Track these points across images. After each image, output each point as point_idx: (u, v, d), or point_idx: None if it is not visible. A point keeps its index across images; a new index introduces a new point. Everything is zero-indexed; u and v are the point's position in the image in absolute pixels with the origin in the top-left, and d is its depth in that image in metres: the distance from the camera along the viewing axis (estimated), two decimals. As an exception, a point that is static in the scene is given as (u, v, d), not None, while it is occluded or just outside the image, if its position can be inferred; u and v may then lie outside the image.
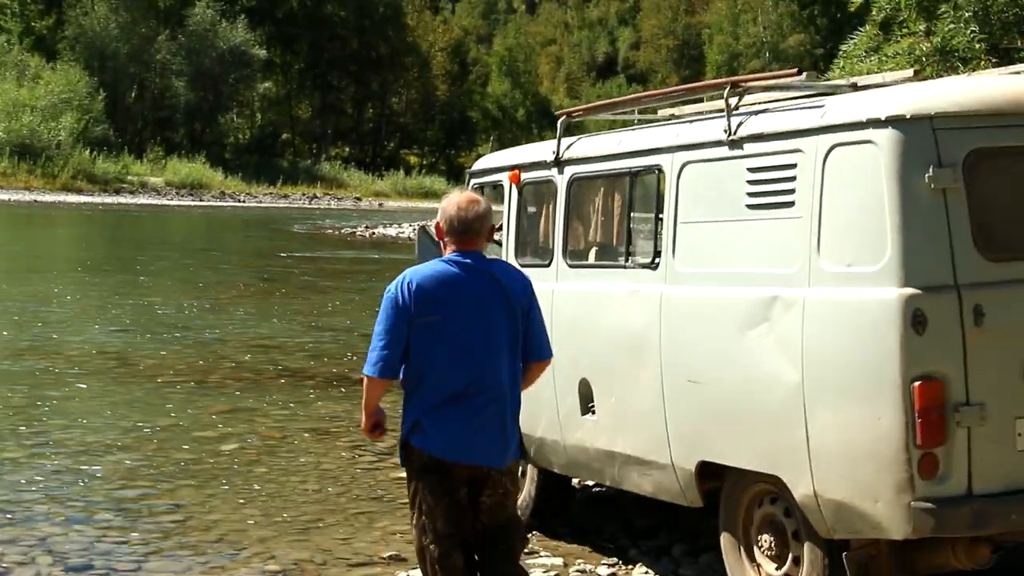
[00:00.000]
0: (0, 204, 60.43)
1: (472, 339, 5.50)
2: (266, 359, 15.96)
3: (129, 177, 77.95)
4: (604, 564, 7.73)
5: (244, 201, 77.45)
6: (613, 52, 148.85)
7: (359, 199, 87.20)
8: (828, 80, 19.08)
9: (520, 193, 8.33)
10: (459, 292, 5.52)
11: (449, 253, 5.58)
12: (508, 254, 8.32)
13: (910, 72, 7.21)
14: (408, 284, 5.48)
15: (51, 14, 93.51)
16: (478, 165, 9.17)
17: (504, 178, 8.47)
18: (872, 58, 17.24)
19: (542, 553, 8.00)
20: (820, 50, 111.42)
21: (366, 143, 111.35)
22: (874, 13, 18.18)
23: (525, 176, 8.29)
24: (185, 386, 13.81)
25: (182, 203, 71.14)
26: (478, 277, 5.56)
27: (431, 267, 5.56)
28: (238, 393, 13.47)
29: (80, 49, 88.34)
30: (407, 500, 9.12)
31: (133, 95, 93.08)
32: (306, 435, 11.49)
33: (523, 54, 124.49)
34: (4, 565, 7.51)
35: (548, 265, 7.90)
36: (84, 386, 13.58)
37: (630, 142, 7.41)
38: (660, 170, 6.97)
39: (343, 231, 49.57)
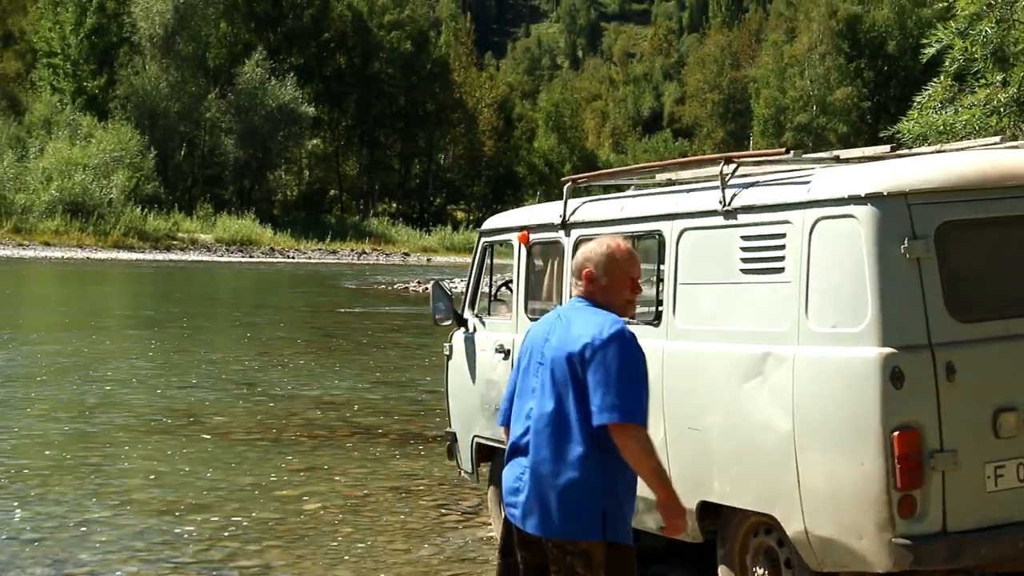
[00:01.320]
0: (54, 261, 60.84)
1: None
2: (336, 416, 15.79)
3: (180, 234, 78.50)
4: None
5: (293, 257, 77.73)
6: (658, 107, 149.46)
7: (407, 254, 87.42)
8: (899, 130, 18.82)
9: (529, 252, 9.00)
10: None
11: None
12: (519, 308, 9.01)
13: (887, 148, 7.72)
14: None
15: (103, 74, 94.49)
16: (489, 224, 9.84)
17: (514, 238, 9.14)
18: (948, 109, 17.05)
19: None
20: (867, 103, 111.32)
21: (413, 199, 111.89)
22: (947, 64, 17.98)
23: (533, 237, 8.93)
24: (259, 444, 13.66)
25: (232, 259, 71.45)
26: None
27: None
28: (313, 451, 13.29)
29: (131, 108, 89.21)
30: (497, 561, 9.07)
31: (183, 153, 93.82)
32: (388, 494, 11.28)
33: (569, 109, 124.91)
34: (101, 630, 7.34)
35: None
36: (157, 444, 13.42)
37: (632, 208, 8.04)
38: (660, 235, 7.59)
39: (395, 286, 49.54)
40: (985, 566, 6.39)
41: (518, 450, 5.15)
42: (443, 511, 10.69)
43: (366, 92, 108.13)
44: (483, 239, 9.76)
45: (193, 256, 71.17)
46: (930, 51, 18.39)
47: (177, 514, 10.33)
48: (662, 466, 5.05)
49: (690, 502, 7.08)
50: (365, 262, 77.82)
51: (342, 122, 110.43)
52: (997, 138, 8.11)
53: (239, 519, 10.22)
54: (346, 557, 9.09)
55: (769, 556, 6.89)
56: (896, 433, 5.97)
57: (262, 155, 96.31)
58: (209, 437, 13.97)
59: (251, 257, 74.02)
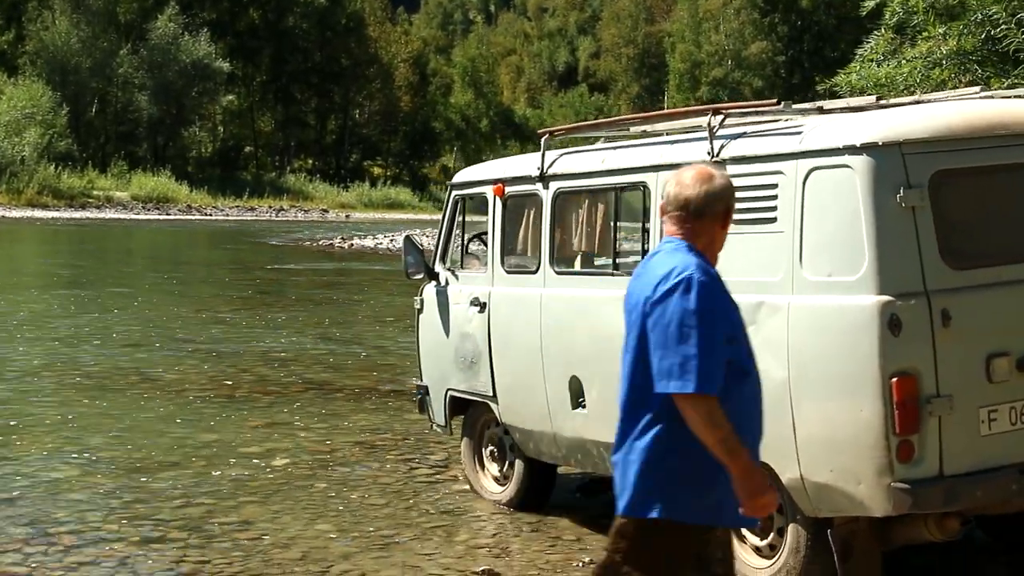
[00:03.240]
0: (-33, 220, 59.80)
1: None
2: (286, 372, 15.72)
3: (95, 192, 77.35)
4: None
5: (211, 214, 76.95)
6: (574, 61, 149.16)
7: (326, 211, 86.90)
8: (836, 83, 18.96)
9: (504, 205, 9.00)
10: None
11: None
12: (494, 261, 9.03)
13: (873, 98, 7.92)
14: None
15: (11, 29, 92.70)
16: (459, 177, 9.85)
17: (488, 191, 9.17)
18: (891, 62, 17.21)
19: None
20: (782, 57, 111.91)
21: (329, 155, 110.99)
22: (887, 18, 18.14)
23: (509, 189, 8.98)
24: (215, 401, 13.57)
25: (149, 217, 70.63)
26: None
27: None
28: (270, 408, 13.23)
29: (41, 64, 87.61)
30: (476, 515, 9.12)
31: (95, 109, 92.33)
32: (354, 449, 11.27)
33: (485, 64, 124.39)
34: (93, 588, 7.28)
35: (535, 272, 8.62)
36: (112, 403, 13.30)
37: (614, 160, 8.09)
38: (645, 187, 7.65)
39: (320, 243, 49.28)
40: (979, 509, 6.56)
41: None
42: (412, 465, 10.70)
43: (280, 47, 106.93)
44: (454, 192, 9.78)
45: (109, 214, 70.21)
46: (870, 3, 18.52)
47: (147, 472, 10.25)
48: (733, 437, 4.43)
49: None
50: (283, 219, 77.32)
51: (256, 78, 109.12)
52: (976, 88, 8.27)
53: (210, 476, 10.17)
54: (325, 513, 9.07)
55: None
56: (894, 379, 6.09)
57: (176, 111, 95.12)
58: (163, 395, 13.85)
59: (168, 215, 73.15)
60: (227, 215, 77.05)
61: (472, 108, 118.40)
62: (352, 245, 47.78)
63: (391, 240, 49.05)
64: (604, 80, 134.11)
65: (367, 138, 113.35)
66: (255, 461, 10.70)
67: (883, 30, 18.37)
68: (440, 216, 10.00)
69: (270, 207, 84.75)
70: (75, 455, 10.78)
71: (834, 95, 17.49)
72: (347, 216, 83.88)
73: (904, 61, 17.01)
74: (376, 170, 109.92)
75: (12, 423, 12.14)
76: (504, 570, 7.75)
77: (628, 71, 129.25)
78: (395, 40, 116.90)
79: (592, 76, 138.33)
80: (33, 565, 7.67)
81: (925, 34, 16.94)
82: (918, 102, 7.59)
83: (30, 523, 8.63)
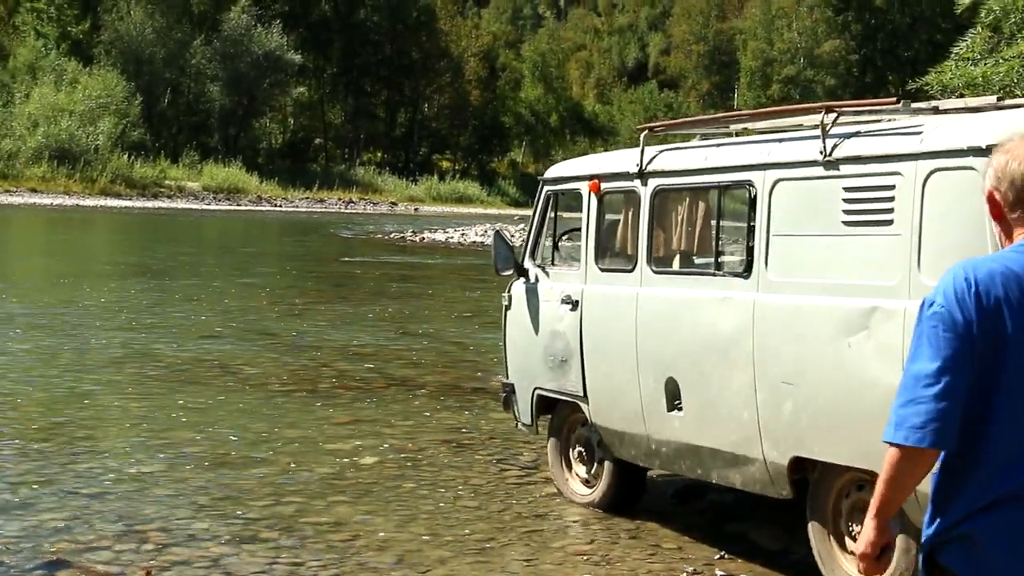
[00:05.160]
0: (43, 208, 60.34)
1: None
2: (368, 367, 15.55)
3: (167, 182, 78.03)
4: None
5: (281, 206, 77.32)
6: (643, 57, 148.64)
7: (394, 204, 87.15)
8: (927, 82, 18.58)
9: (600, 201, 8.82)
10: None
11: (1019, 239, 3.48)
12: (588, 259, 8.81)
13: (992, 98, 7.55)
14: (969, 286, 3.34)
15: (87, 19, 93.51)
16: (552, 172, 9.64)
17: (583, 187, 8.94)
18: (987, 61, 16.84)
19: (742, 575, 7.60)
20: (855, 56, 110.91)
21: (398, 148, 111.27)
22: (983, 16, 17.76)
23: (605, 186, 8.78)
24: (296, 396, 13.42)
25: (220, 207, 71.07)
26: None
27: (995, 260, 3.45)
28: (353, 404, 13.05)
29: (116, 54, 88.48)
30: (573, 519, 8.90)
31: (168, 100, 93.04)
32: (442, 448, 11.06)
33: (555, 59, 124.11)
34: (188, 589, 7.11)
35: (631, 271, 8.39)
36: (195, 396, 13.18)
37: (718, 158, 7.88)
38: (751, 185, 7.41)
39: (392, 236, 49.25)
40: None
41: None
42: (502, 466, 10.48)
43: (351, 40, 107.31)
44: (546, 187, 9.56)
45: (181, 204, 70.72)
46: (966, 1, 18.16)
47: (234, 468, 10.10)
48: (888, 500, 3.42)
49: (782, 458, 7.14)
50: (353, 211, 77.52)
51: (327, 70, 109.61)
52: (994, 97, 7.97)
53: (297, 473, 10.00)
54: (417, 514, 8.87)
55: (865, 511, 6.76)
56: None
57: (247, 103, 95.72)
58: (245, 389, 13.72)
59: (238, 206, 73.55)
60: (296, 207, 77.36)
61: (541, 103, 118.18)
62: (423, 239, 47.70)
63: (462, 234, 48.97)
64: (674, 77, 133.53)
65: (436, 132, 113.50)
66: (342, 459, 10.51)
67: (979, 28, 18.01)
68: (531, 211, 9.75)
69: (339, 199, 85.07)
70: (160, 449, 10.63)
71: (922, 95, 17.13)
72: (416, 209, 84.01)
73: (1001, 60, 16.65)
74: (445, 164, 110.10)
75: (96, 416, 12.04)
76: (605, 581, 7.51)
77: (698, 68, 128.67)
78: (465, 34, 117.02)
79: (662, 73, 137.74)
80: (125, 563, 7.50)
81: None
82: None
83: (118, 519, 8.46)
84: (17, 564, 7.39)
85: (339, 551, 7.94)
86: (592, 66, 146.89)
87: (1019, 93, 13.96)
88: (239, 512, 8.79)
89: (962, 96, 15.26)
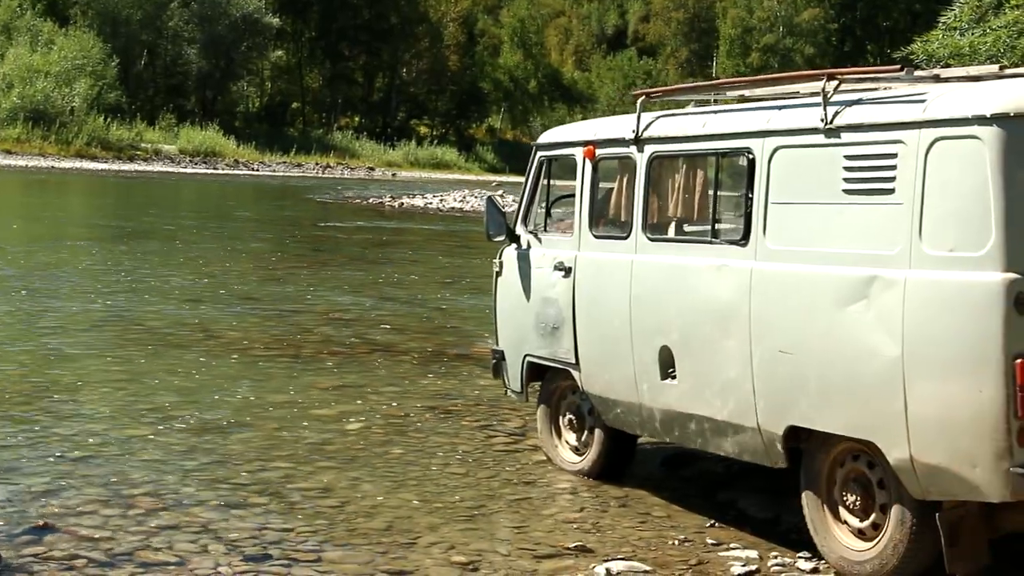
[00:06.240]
0: (18, 170, 59.93)
1: None
2: (351, 333, 15.49)
3: (143, 144, 77.56)
4: (801, 557, 7.28)
5: (258, 170, 77.00)
6: (623, 25, 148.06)
7: (372, 169, 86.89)
8: (913, 51, 18.56)
9: (595, 168, 8.74)
10: None
11: None
12: (582, 225, 8.73)
13: (995, 68, 7.48)
14: None
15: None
16: (545, 138, 9.54)
17: (577, 152, 8.87)
18: (975, 31, 16.78)
19: (732, 545, 7.56)
20: (834, 25, 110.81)
21: (376, 113, 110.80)
22: (973, -16, 17.67)
23: (600, 152, 8.70)
24: (281, 360, 13.34)
25: (197, 171, 70.72)
26: None
27: None
28: (338, 369, 13.00)
29: (92, 15, 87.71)
30: (562, 487, 8.86)
31: (144, 62, 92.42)
32: (427, 414, 11.02)
33: (534, 26, 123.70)
34: (178, 554, 7.03)
35: (626, 238, 8.32)
36: (178, 360, 13.09)
37: (716, 124, 7.79)
38: (750, 153, 7.33)
39: (370, 201, 49.05)
40: None
41: None
42: (489, 433, 10.44)
43: (330, 3, 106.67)
44: (539, 153, 9.47)
45: (158, 167, 70.35)
46: (951, -29, 18.07)
47: (220, 433, 10.02)
48: None
49: (778, 427, 7.09)
50: (330, 176, 77.26)
51: (305, 34, 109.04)
52: (996, 67, 7.92)
53: (284, 438, 9.94)
54: (406, 481, 8.82)
55: (860, 482, 6.82)
56: (1019, 360, 5.86)
57: (225, 65, 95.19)
58: (229, 353, 13.64)
59: (215, 169, 73.21)
60: (274, 171, 77.06)
61: (520, 69, 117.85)
62: (402, 204, 47.54)
63: (441, 200, 48.83)
64: (653, 44, 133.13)
65: (414, 97, 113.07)
66: (328, 425, 10.46)
67: (967, -4, 17.93)
68: (508, 177, 9.67)
69: (317, 164, 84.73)
70: (144, 413, 10.55)
71: (908, 64, 17.07)
72: (393, 175, 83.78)
73: (989, 30, 16.60)
74: (423, 129, 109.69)
75: (78, 379, 11.93)
76: (597, 547, 7.47)
77: (677, 35, 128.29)
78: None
79: (641, 40, 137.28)
80: (113, 528, 7.42)
81: (1013, 2, 16.56)
82: None
83: (105, 484, 8.37)
84: (4, 529, 7.30)
85: (328, 517, 7.89)
86: (571, 32, 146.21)
87: (1006, 63, 13.90)
88: (227, 477, 8.72)
89: (948, 66, 15.20)
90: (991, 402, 5.93)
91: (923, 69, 8.30)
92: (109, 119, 75.58)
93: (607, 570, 7.00)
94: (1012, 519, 6.33)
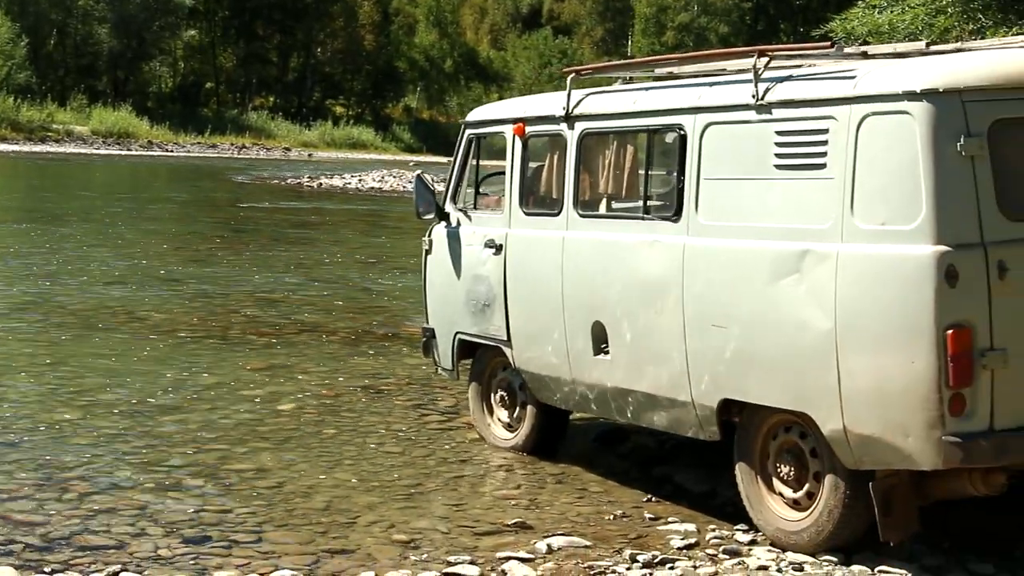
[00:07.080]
0: (-75, 152, 58.82)
1: None
2: (277, 313, 15.40)
3: (54, 126, 76.21)
4: (739, 530, 7.36)
5: (172, 151, 76.03)
6: (537, 3, 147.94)
7: (288, 149, 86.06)
8: (832, 29, 18.73)
9: (525, 145, 8.73)
10: None
11: None
12: (512, 202, 8.73)
13: (921, 44, 7.59)
14: None
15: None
16: (474, 116, 9.54)
17: (507, 130, 8.85)
18: (894, 8, 16.97)
19: (671, 518, 7.63)
20: (748, 3, 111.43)
21: (291, 93, 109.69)
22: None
23: (530, 129, 8.69)
24: (208, 342, 13.25)
25: (110, 152, 69.66)
26: None
27: None
28: (267, 350, 12.93)
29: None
30: (498, 464, 8.88)
31: (54, 42, 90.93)
32: (360, 394, 11.00)
33: (449, 5, 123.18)
34: (116, 538, 6.97)
35: (557, 215, 8.34)
36: (104, 343, 12.94)
37: (647, 101, 7.82)
38: (681, 129, 7.38)
39: (288, 181, 48.67)
40: None
41: None
42: (422, 411, 10.45)
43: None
44: (468, 131, 9.48)
45: (70, 148, 69.23)
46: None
47: (151, 415, 9.94)
48: None
49: (711, 400, 7.19)
50: (246, 156, 76.49)
51: (218, 13, 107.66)
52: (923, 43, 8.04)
53: (216, 420, 9.87)
54: (342, 460, 8.80)
55: (793, 452, 6.91)
56: (950, 331, 5.98)
57: (137, 45, 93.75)
58: (155, 335, 13.51)
59: (129, 150, 72.18)
60: (188, 152, 76.15)
61: (436, 49, 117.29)
62: (320, 184, 47.22)
63: (359, 180, 48.59)
64: (568, 23, 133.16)
65: (329, 77, 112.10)
66: (260, 405, 10.41)
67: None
68: (452, 156, 9.66)
69: (232, 144, 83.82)
70: (73, 397, 10.44)
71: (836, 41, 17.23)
72: (309, 155, 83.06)
73: (907, 8, 16.78)
74: (338, 109, 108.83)
75: (3, 364, 11.76)
76: (536, 523, 7.51)
77: (592, 14, 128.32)
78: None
79: (556, 19, 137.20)
80: (50, 513, 7.34)
81: (929, -19, 16.71)
82: (960, 50, 7.37)
83: (37, 468, 8.29)
84: (-63, 515, 7.21)
85: (266, 498, 7.87)
86: (486, 11, 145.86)
87: (926, 40, 14.04)
88: (161, 460, 8.67)
89: (867, 43, 15.38)
90: (923, 373, 6.04)
91: (850, 46, 8.39)
92: (19, 100, 74.21)
93: (548, 546, 7.04)
94: (942, 487, 6.45)
